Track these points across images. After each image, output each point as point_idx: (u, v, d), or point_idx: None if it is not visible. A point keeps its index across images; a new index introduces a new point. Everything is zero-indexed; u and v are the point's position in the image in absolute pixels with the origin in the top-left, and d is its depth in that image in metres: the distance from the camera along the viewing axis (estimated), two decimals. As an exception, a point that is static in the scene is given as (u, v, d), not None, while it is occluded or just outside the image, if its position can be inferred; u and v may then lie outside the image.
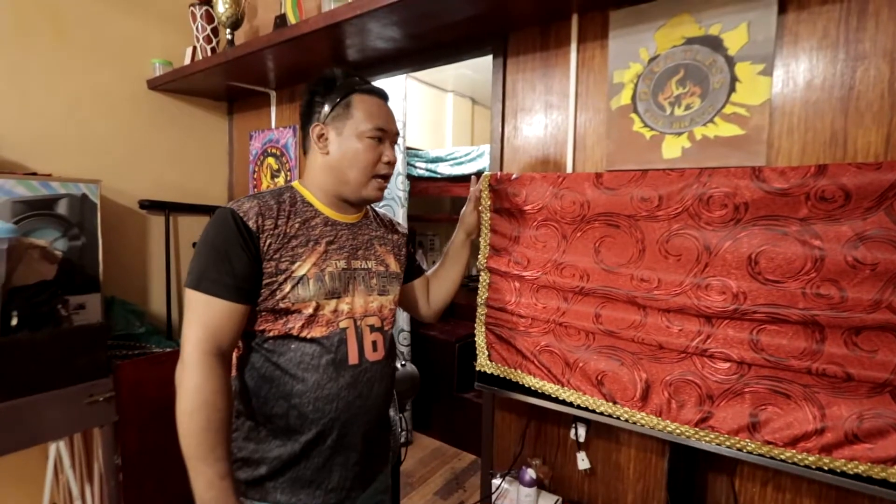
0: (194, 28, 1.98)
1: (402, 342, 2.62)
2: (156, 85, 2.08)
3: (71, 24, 1.85)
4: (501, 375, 1.24)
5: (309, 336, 0.85)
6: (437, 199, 3.47)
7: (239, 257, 0.80)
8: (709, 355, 0.95)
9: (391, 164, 0.92)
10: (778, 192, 0.87)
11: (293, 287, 0.83)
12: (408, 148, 2.77)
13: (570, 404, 1.13)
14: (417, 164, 2.91)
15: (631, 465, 1.27)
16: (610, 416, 1.07)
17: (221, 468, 0.75)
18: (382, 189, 0.93)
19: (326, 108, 0.90)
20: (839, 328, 0.83)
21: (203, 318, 0.78)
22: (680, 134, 1.14)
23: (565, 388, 1.13)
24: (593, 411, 1.10)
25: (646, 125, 1.19)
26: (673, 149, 1.15)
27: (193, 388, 0.75)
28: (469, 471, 2.42)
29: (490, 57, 1.47)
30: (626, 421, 1.05)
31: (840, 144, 0.98)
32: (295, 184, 0.95)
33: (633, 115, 1.20)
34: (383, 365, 0.95)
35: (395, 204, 2.54)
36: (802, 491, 1.03)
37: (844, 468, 0.83)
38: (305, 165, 0.97)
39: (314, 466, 0.87)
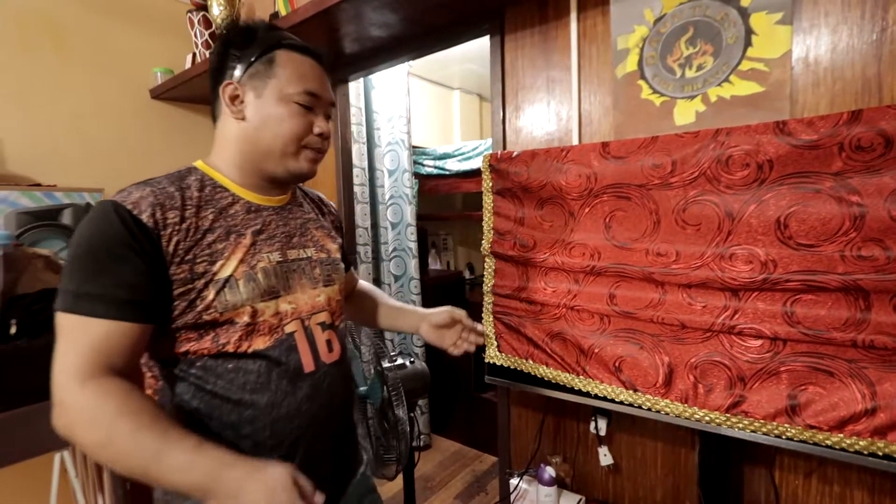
0: (193, 34, 1.98)
1: (416, 343, 2.56)
2: (158, 93, 2.09)
3: (71, 37, 1.87)
4: (512, 367, 1.16)
5: (250, 350, 0.69)
6: (447, 197, 3.41)
7: (129, 263, 0.61)
8: (737, 332, 0.86)
9: (325, 137, 0.76)
10: (806, 146, 0.78)
11: (218, 293, 0.66)
12: (414, 146, 2.73)
13: (588, 394, 1.05)
14: (425, 162, 2.86)
15: (658, 460, 1.17)
16: (631, 405, 0.98)
17: (188, 443, 0.56)
18: (315, 162, 0.77)
19: (243, 64, 0.72)
20: (887, 293, 0.73)
21: (80, 345, 0.59)
22: (693, 97, 1.06)
23: (581, 376, 1.05)
24: (613, 401, 1.01)
25: (655, 91, 1.10)
26: (686, 114, 1.07)
27: (88, 418, 0.56)
28: (491, 473, 2.33)
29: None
30: (649, 410, 0.96)
31: (874, 93, 0.88)
32: (198, 163, 0.76)
33: (641, 82, 1.12)
34: (341, 364, 0.81)
35: (402, 202, 2.49)
36: (852, 482, 0.93)
37: None
38: (214, 137, 0.79)
39: None
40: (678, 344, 0.92)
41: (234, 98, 0.73)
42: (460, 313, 0.95)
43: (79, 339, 0.59)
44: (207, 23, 1.95)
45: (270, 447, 0.70)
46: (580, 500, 1.25)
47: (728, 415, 0.87)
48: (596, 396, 1.04)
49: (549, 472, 1.24)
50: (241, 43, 0.74)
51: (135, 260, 0.61)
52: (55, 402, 0.58)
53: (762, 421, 0.84)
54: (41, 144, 1.79)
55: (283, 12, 1.57)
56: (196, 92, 2.11)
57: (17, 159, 1.72)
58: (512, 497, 1.32)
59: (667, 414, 0.94)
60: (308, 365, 0.74)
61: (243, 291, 0.68)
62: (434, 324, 0.95)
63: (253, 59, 0.72)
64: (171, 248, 0.64)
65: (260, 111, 0.73)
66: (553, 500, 1.24)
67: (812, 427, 0.80)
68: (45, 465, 1.59)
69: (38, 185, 1.70)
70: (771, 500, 1.01)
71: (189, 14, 1.96)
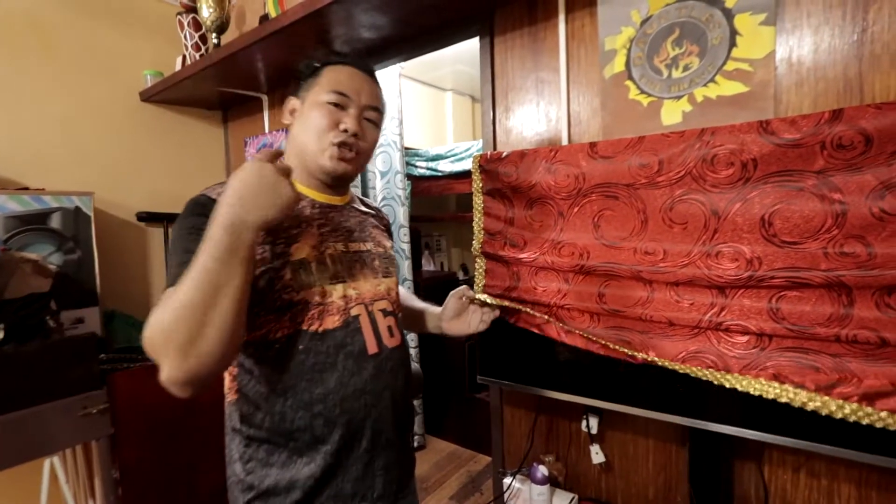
0: (182, 37, 1.97)
1: (410, 343, 2.56)
2: (148, 96, 2.08)
3: (60, 40, 1.86)
4: (499, 304, 1.01)
5: (321, 329, 0.75)
6: (440, 198, 3.41)
7: None
8: (724, 329, 0.87)
9: (353, 134, 0.80)
10: (789, 144, 0.79)
11: (294, 273, 0.74)
12: (406, 147, 2.73)
13: (579, 393, 1.05)
14: (418, 164, 2.87)
15: (650, 457, 1.18)
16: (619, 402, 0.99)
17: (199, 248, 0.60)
18: (343, 160, 0.80)
19: (300, 83, 0.85)
20: (869, 288, 0.74)
21: None
22: (679, 98, 1.07)
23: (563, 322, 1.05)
24: (603, 398, 1.02)
25: (642, 91, 1.11)
26: (673, 114, 1.08)
27: (156, 324, 0.59)
28: (485, 473, 2.34)
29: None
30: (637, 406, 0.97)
31: (856, 93, 0.90)
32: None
33: (629, 83, 1.13)
34: (402, 350, 0.87)
35: (395, 203, 2.49)
36: (840, 476, 0.94)
37: (889, 421, 0.71)
38: None
39: (354, 476, 0.77)
40: (666, 340, 0.93)
41: (291, 111, 0.85)
42: (460, 292, 0.98)
43: None
44: (197, 25, 1.94)
45: (341, 424, 0.75)
46: (573, 498, 1.26)
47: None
48: (586, 395, 1.04)
49: (542, 470, 1.25)
50: (303, 67, 0.87)
51: None
52: (154, 357, 0.59)
53: (749, 378, 0.83)
54: (29, 148, 1.77)
55: (272, 14, 1.57)
56: (186, 94, 2.10)
57: (5, 163, 1.70)
58: (505, 496, 1.33)
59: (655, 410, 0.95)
60: (372, 347, 0.80)
61: (315, 273, 0.76)
62: (451, 318, 0.99)
63: (305, 78, 0.85)
64: None
65: (301, 117, 0.83)
66: (546, 498, 1.24)
67: (798, 385, 0.78)
68: (34, 472, 1.57)
69: (27, 188, 1.68)
70: (760, 495, 1.02)
71: (179, 16, 1.96)
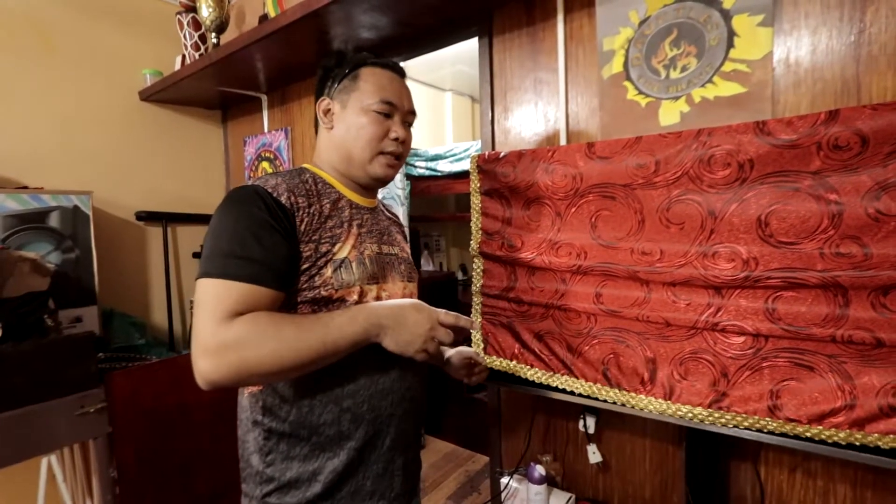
0: (182, 36, 1.97)
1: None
2: (147, 95, 2.08)
3: (60, 39, 1.86)
4: (497, 368, 1.17)
5: None
6: (439, 198, 3.41)
7: (272, 237, 0.68)
8: (720, 329, 0.87)
9: (402, 142, 0.84)
10: (786, 145, 0.79)
11: (335, 271, 0.74)
12: (406, 147, 2.73)
13: (574, 393, 1.05)
14: (417, 164, 2.86)
15: (647, 456, 1.18)
16: (615, 402, 0.99)
17: (337, 311, 0.70)
18: (392, 167, 0.84)
19: (333, 83, 0.85)
20: (865, 289, 0.75)
21: (225, 303, 0.63)
22: (677, 98, 1.07)
23: (566, 376, 1.06)
24: (598, 399, 1.02)
25: (640, 92, 1.12)
26: (670, 114, 1.08)
27: (254, 337, 0.62)
28: (483, 473, 2.33)
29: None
30: (634, 407, 0.97)
31: (853, 94, 0.90)
32: (307, 165, 0.85)
33: (627, 83, 1.13)
34: None
35: (394, 203, 2.49)
36: (835, 476, 0.94)
37: (879, 443, 0.74)
38: (316, 145, 0.90)
39: (374, 474, 0.78)
40: (663, 341, 0.93)
41: (326, 112, 0.85)
42: (470, 356, 1.02)
43: (223, 299, 0.63)
44: (197, 24, 1.94)
45: (368, 421, 0.77)
46: (570, 498, 1.26)
47: (711, 410, 0.88)
48: (581, 395, 1.04)
49: (539, 470, 1.25)
50: (333, 64, 0.85)
51: (276, 235, 0.69)
52: (209, 354, 0.61)
53: (744, 415, 0.85)
54: (28, 147, 1.77)
55: (272, 14, 1.57)
56: (185, 94, 2.10)
57: (4, 162, 1.70)
58: (503, 496, 1.33)
59: (651, 411, 0.95)
60: None
61: (355, 272, 0.77)
62: (452, 367, 1.02)
63: (341, 78, 0.84)
64: (302, 228, 0.73)
65: (345, 121, 0.83)
66: (543, 498, 1.24)
67: (792, 420, 0.81)
68: (31, 471, 1.57)
69: (25, 187, 1.68)
70: (756, 495, 1.02)
71: (178, 16, 1.96)
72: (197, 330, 0.63)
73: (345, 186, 0.85)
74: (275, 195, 0.71)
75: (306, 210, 0.74)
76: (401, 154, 0.85)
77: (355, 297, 0.76)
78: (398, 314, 0.71)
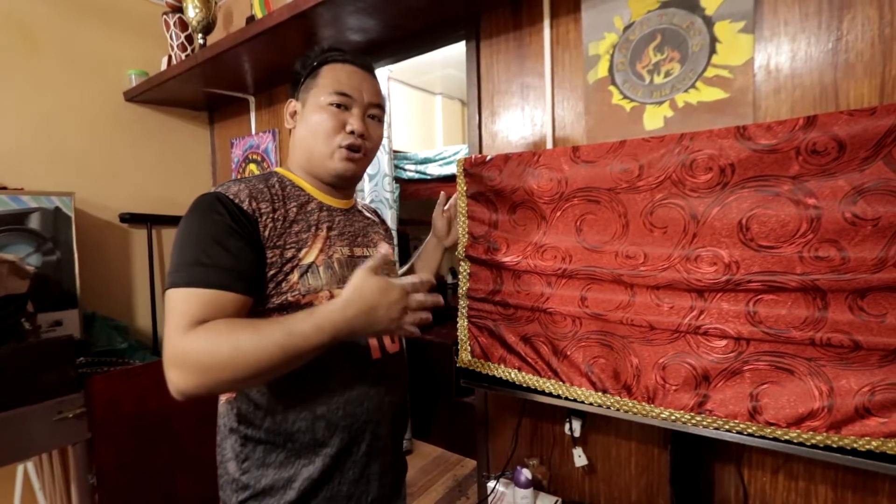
0: (168, 37, 1.95)
1: (398, 348, 2.55)
2: (132, 96, 2.05)
3: (44, 39, 1.83)
4: (484, 372, 1.16)
5: None
6: (429, 201, 3.40)
7: (235, 243, 0.67)
8: (703, 332, 0.87)
9: (360, 135, 0.80)
10: (765, 150, 0.80)
11: (301, 276, 0.73)
12: (395, 151, 2.73)
13: (560, 396, 1.05)
14: (406, 167, 2.87)
15: (632, 459, 1.19)
16: (600, 405, 0.99)
17: (300, 315, 0.63)
18: (351, 161, 0.81)
19: (299, 84, 0.84)
20: (842, 292, 0.76)
21: (190, 311, 0.62)
22: (661, 103, 1.08)
23: (552, 380, 1.06)
24: (583, 402, 1.02)
25: (625, 97, 1.13)
26: (654, 119, 1.09)
27: (209, 345, 0.59)
28: (472, 477, 2.33)
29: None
30: (618, 410, 0.97)
31: (831, 99, 0.91)
32: (278, 168, 0.85)
33: (612, 88, 1.14)
34: (402, 356, 0.88)
35: (383, 206, 2.48)
36: (817, 477, 0.95)
37: (855, 445, 0.75)
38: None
39: (350, 479, 0.78)
40: (647, 345, 0.94)
41: (293, 114, 0.85)
42: (439, 222, 1.16)
43: (188, 308, 0.62)
44: (183, 25, 1.92)
45: (343, 427, 0.76)
46: (556, 501, 1.26)
47: (693, 413, 0.88)
48: (566, 398, 1.05)
49: (526, 474, 1.24)
50: (300, 65, 0.85)
51: (240, 241, 0.68)
52: (175, 365, 0.60)
53: (724, 419, 0.85)
54: (8, 146, 1.74)
55: (259, 15, 1.56)
56: (171, 95, 2.08)
57: (-17, 162, 1.67)
58: (489, 500, 1.32)
59: (635, 414, 0.95)
60: (375, 352, 0.81)
61: (323, 277, 0.75)
62: (446, 235, 1.15)
63: (304, 78, 0.83)
64: (266, 234, 0.72)
65: (305, 119, 0.82)
66: (529, 502, 1.24)
67: (771, 424, 0.81)
68: (7, 479, 1.53)
69: (5, 188, 1.65)
70: (740, 496, 1.03)
71: (165, 16, 1.94)
72: (165, 341, 0.62)
73: (314, 188, 0.83)
74: (236, 201, 0.70)
75: (270, 215, 0.73)
76: (360, 147, 0.82)
77: (324, 302, 0.73)
78: (368, 312, 0.65)
